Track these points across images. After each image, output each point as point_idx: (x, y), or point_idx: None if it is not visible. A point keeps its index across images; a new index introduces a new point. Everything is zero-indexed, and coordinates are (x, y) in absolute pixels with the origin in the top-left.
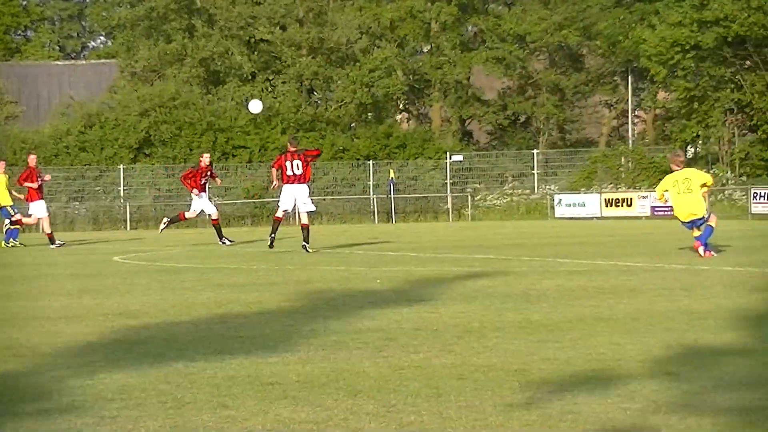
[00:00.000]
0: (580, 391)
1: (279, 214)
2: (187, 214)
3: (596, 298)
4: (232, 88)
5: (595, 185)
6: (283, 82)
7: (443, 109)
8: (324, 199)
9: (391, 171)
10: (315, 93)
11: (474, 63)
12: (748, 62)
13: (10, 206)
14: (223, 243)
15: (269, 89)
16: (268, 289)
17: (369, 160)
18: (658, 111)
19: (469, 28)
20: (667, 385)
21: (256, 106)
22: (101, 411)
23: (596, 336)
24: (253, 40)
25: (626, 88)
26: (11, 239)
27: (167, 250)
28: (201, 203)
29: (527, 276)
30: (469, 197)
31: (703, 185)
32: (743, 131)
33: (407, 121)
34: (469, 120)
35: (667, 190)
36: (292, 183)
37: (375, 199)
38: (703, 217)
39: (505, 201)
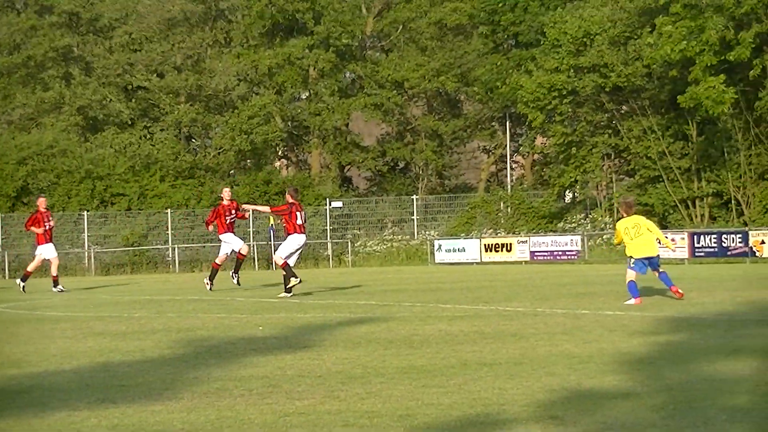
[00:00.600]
0: None
1: (291, 261)
2: (219, 261)
3: (479, 343)
4: (111, 136)
5: (474, 230)
6: (162, 129)
7: (322, 156)
8: (204, 247)
9: (271, 218)
10: (194, 140)
11: (352, 109)
12: (624, 108)
13: None
14: (234, 279)
15: (147, 136)
16: (149, 337)
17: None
18: (536, 156)
19: (348, 74)
20: (552, 430)
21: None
22: None
23: (480, 380)
24: (131, 87)
25: (504, 133)
26: None
27: (47, 299)
28: (231, 244)
29: (409, 321)
30: (349, 243)
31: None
32: (620, 176)
33: (287, 168)
34: (349, 166)
35: (621, 240)
36: (301, 233)
37: (255, 246)
38: (658, 256)
39: (385, 247)
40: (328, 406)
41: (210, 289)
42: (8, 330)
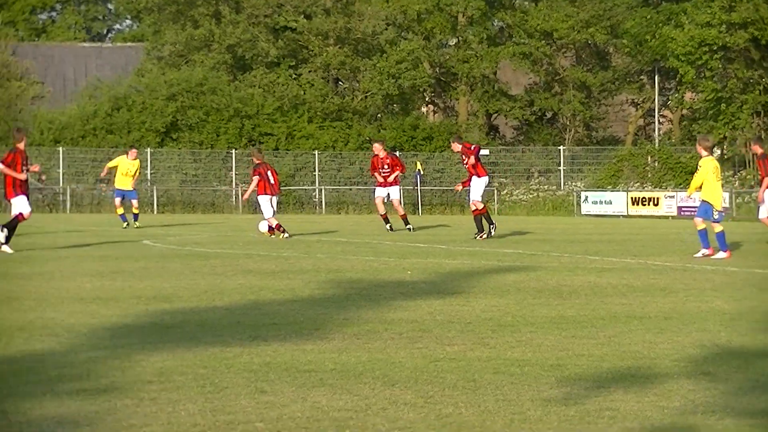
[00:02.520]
0: (616, 388)
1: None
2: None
3: (628, 296)
4: (259, 75)
5: (621, 183)
6: (310, 71)
7: (469, 103)
8: (350, 189)
9: (418, 163)
10: (341, 83)
11: (500, 57)
12: None
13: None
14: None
15: (294, 77)
16: (299, 277)
17: (395, 151)
18: (684, 111)
19: (496, 22)
20: (704, 385)
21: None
22: (140, 393)
23: (629, 333)
24: (279, 27)
25: (652, 87)
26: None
27: (196, 235)
28: (386, 190)
29: (558, 272)
30: (496, 192)
31: None
32: None
33: (433, 114)
34: (496, 115)
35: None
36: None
37: (401, 190)
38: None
39: (531, 196)
40: (478, 353)
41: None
42: (159, 265)
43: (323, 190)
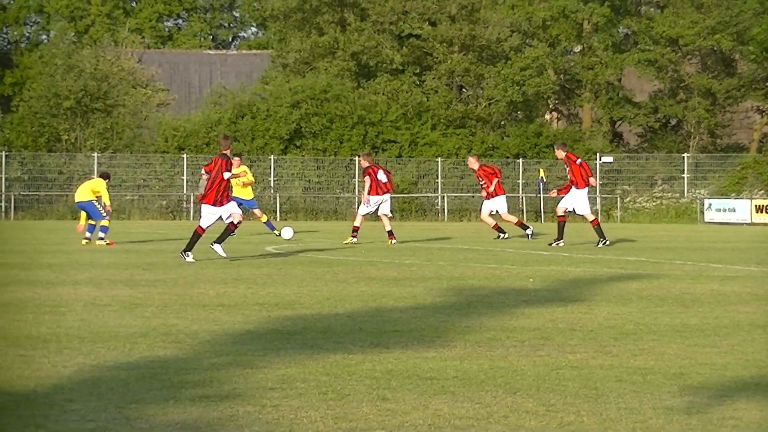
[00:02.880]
0: (739, 397)
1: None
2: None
3: (752, 305)
4: (383, 82)
5: (745, 191)
6: (434, 78)
7: (593, 110)
8: (473, 197)
9: (541, 170)
10: (465, 90)
11: (625, 64)
12: None
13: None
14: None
15: (418, 84)
16: (420, 284)
17: (519, 158)
18: None
19: (621, 29)
20: None
21: (287, 233)
22: (263, 400)
23: (753, 342)
24: (403, 34)
25: None
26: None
27: (319, 242)
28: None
29: (681, 280)
30: (618, 199)
31: None
32: None
33: (557, 121)
34: (620, 122)
35: None
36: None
37: (524, 198)
38: None
39: (654, 204)
40: (600, 361)
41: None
42: (282, 272)
43: (446, 198)
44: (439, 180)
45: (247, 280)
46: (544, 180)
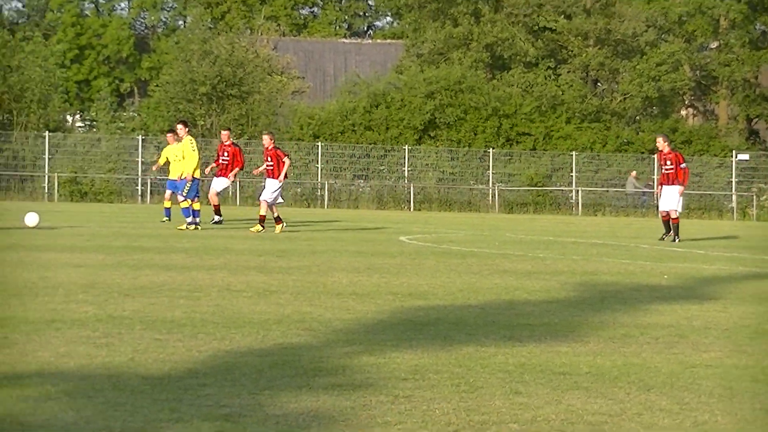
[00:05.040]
0: None
1: None
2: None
3: None
4: (517, 75)
5: None
6: (568, 72)
7: (730, 107)
8: (607, 191)
9: None
10: (600, 84)
11: (762, 62)
12: None
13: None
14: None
15: (552, 77)
16: (554, 278)
17: (653, 154)
18: None
19: (759, 26)
20: None
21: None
22: (395, 390)
23: None
24: (537, 27)
25: None
26: None
27: (452, 233)
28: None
29: None
30: (755, 197)
31: None
32: None
33: (692, 117)
34: (756, 119)
35: None
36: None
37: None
38: None
39: None
40: (735, 360)
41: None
42: (415, 262)
43: (580, 192)
44: (574, 174)
45: (380, 270)
46: None
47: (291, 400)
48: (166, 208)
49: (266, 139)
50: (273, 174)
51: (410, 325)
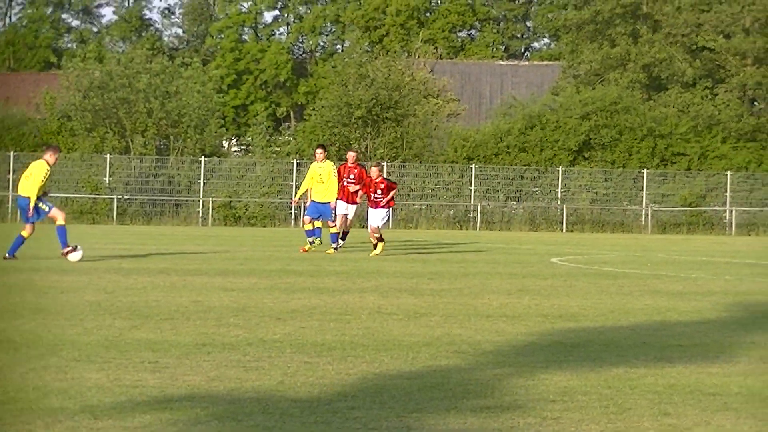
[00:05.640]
0: None
1: None
2: None
3: None
4: (674, 95)
5: None
6: (725, 91)
7: None
8: (761, 211)
9: None
10: (757, 103)
11: None
12: None
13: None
14: None
15: (709, 97)
16: (706, 299)
17: None
18: None
19: None
20: None
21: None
22: (543, 412)
23: None
24: (696, 47)
25: None
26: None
27: (604, 255)
28: None
29: None
30: None
31: None
32: None
33: None
34: None
35: None
36: None
37: None
38: None
39: None
40: None
41: None
42: (566, 284)
43: (734, 211)
44: (728, 193)
45: (531, 291)
46: None
47: (439, 423)
48: (308, 230)
49: (375, 172)
50: (378, 204)
51: (560, 347)
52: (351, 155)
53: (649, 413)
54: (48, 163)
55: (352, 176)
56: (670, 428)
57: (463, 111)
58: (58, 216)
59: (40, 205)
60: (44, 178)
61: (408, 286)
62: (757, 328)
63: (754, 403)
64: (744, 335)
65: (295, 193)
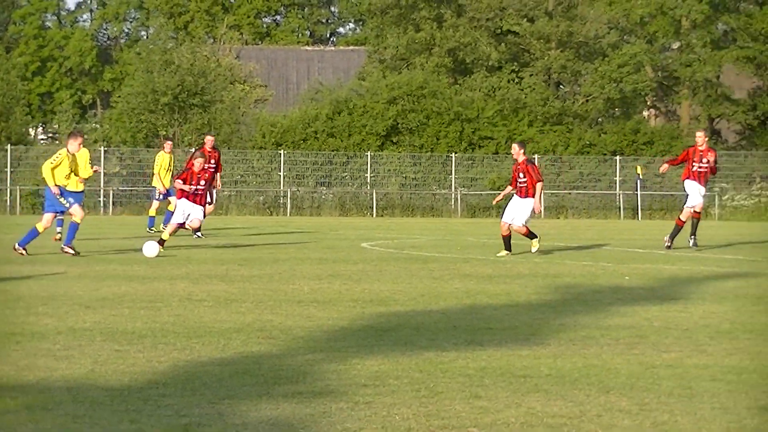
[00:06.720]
0: None
1: None
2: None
3: None
4: (479, 79)
5: None
6: (531, 75)
7: (692, 107)
8: (569, 194)
9: (639, 168)
10: (562, 86)
11: (724, 61)
12: None
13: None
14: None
15: (515, 81)
16: (515, 281)
17: (616, 155)
18: None
19: (720, 26)
20: None
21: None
22: (355, 396)
23: None
24: (500, 31)
25: None
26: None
27: (414, 239)
28: None
29: None
30: (716, 197)
31: None
32: None
33: (655, 118)
34: (718, 119)
35: None
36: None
37: (621, 195)
38: None
39: (752, 202)
40: (695, 360)
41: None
42: (377, 268)
43: (542, 195)
44: None
45: (341, 276)
46: (642, 177)
47: (251, 409)
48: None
49: (515, 149)
50: (525, 192)
51: (371, 332)
52: (209, 139)
53: (461, 396)
54: (68, 150)
55: (213, 161)
56: (482, 411)
57: (271, 97)
58: (77, 214)
59: (61, 200)
60: (53, 163)
61: (218, 273)
62: (566, 310)
63: (564, 385)
64: (553, 318)
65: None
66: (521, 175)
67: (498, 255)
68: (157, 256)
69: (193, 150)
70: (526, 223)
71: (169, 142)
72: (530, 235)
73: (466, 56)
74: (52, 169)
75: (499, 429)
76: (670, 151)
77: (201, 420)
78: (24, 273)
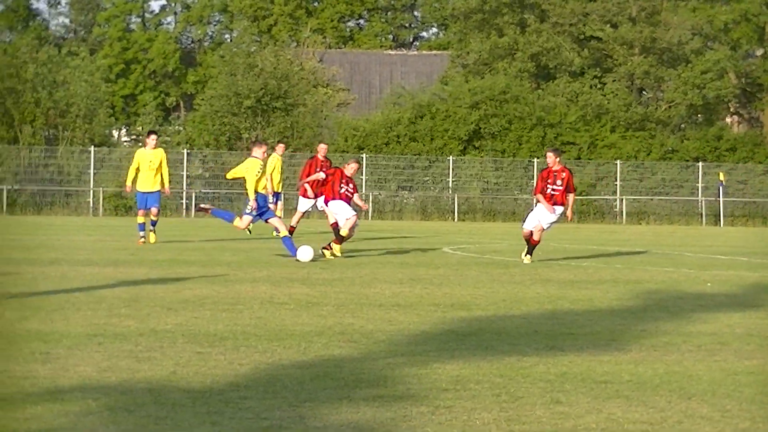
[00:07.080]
0: None
1: None
2: None
3: None
4: (562, 84)
5: None
6: (614, 80)
7: None
8: (651, 200)
9: (722, 174)
10: (645, 92)
11: None
12: None
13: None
14: None
15: (598, 86)
16: (597, 287)
17: (698, 161)
18: None
19: None
20: None
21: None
22: (436, 401)
23: None
24: (584, 36)
25: None
26: None
27: (496, 244)
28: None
29: None
30: None
31: None
32: None
33: (738, 125)
34: None
35: None
36: None
37: (702, 202)
38: None
39: None
40: None
41: None
42: (458, 273)
43: (624, 200)
44: (618, 182)
45: (423, 281)
46: (724, 183)
47: (331, 412)
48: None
49: (551, 157)
50: (557, 200)
51: (452, 336)
52: (322, 147)
53: (541, 401)
54: (258, 158)
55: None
56: (562, 416)
57: (353, 100)
58: (279, 226)
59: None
60: (257, 172)
61: (300, 276)
62: (647, 316)
63: (645, 391)
64: (634, 323)
65: (171, 184)
66: (558, 182)
67: (523, 260)
68: (312, 260)
69: (273, 151)
70: (547, 228)
71: (282, 145)
72: (536, 245)
73: (548, 61)
74: (257, 181)
75: None
76: (753, 158)
77: (281, 423)
78: (106, 275)
